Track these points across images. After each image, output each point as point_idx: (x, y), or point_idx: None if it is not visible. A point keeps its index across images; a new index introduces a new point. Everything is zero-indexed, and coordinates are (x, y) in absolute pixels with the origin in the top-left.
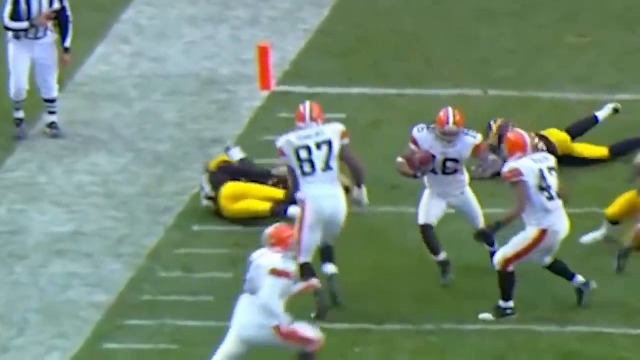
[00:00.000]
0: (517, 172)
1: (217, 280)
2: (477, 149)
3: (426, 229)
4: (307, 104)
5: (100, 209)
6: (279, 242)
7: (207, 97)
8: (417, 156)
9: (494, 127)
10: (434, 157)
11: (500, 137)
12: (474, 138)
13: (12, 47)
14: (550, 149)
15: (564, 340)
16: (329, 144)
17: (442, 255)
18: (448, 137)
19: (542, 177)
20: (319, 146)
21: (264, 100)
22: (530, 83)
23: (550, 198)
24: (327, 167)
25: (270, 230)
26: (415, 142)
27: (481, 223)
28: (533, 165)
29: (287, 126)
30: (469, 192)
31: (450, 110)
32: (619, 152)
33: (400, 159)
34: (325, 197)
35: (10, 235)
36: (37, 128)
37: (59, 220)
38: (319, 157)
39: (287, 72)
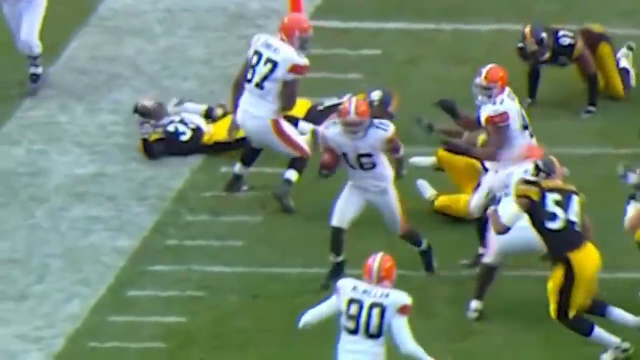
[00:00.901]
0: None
1: (245, 223)
2: (390, 142)
3: (336, 232)
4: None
5: (123, 149)
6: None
7: (235, 32)
8: (321, 159)
9: (527, 31)
10: (343, 156)
11: (541, 40)
12: (385, 130)
13: (4, 6)
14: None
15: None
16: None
17: (339, 258)
18: (350, 127)
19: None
20: (265, 62)
21: None
22: (574, 17)
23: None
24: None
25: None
26: (324, 139)
27: (399, 228)
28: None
29: (320, 63)
30: (392, 192)
31: (354, 100)
32: None
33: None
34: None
35: (29, 177)
36: (56, 65)
37: (81, 161)
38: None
39: (319, 6)
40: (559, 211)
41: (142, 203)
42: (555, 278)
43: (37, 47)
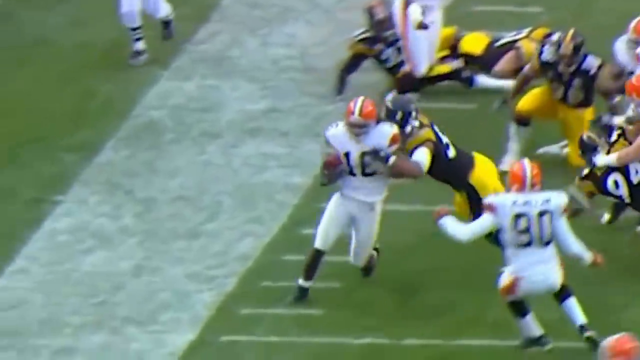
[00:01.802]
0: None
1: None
2: (394, 140)
3: (316, 255)
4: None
5: (297, 84)
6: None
7: None
8: (324, 159)
9: (568, 36)
10: (345, 157)
11: (576, 47)
12: (390, 127)
13: None
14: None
15: None
16: None
17: (308, 284)
18: (354, 129)
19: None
20: None
21: None
22: None
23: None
24: None
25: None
26: (327, 142)
27: (362, 259)
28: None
29: None
30: (378, 211)
31: (360, 100)
32: None
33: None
34: None
35: (201, 113)
36: None
37: (253, 96)
38: None
39: None
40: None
41: (316, 139)
42: (460, 205)
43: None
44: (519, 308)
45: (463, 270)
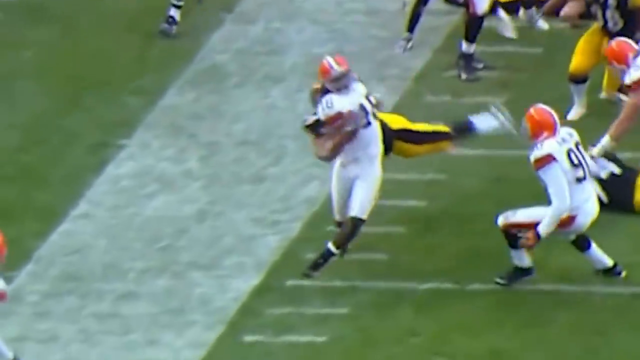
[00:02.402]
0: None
1: (487, 105)
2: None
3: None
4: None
5: (362, 27)
6: None
7: None
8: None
9: None
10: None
11: None
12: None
13: None
14: None
15: None
16: None
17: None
18: (339, 83)
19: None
20: None
21: None
22: None
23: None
24: None
25: None
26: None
27: (355, 212)
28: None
29: None
30: (376, 169)
31: (329, 57)
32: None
33: None
34: None
35: (265, 56)
36: None
37: (318, 39)
38: None
39: None
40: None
41: (382, 83)
42: None
43: None
44: (581, 243)
45: None
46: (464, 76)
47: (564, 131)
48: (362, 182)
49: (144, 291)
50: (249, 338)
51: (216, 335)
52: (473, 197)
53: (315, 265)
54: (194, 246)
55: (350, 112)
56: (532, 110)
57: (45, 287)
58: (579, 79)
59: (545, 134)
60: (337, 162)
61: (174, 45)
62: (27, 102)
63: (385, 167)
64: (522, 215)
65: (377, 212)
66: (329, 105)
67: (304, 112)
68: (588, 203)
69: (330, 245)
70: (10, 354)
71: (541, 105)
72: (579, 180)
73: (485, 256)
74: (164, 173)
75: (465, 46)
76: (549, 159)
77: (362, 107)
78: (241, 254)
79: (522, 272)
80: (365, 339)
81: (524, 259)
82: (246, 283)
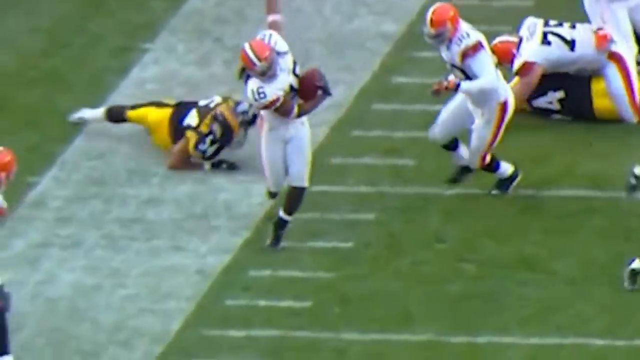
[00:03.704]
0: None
1: None
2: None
3: (273, 196)
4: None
5: None
6: None
7: None
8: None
9: None
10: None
11: None
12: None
13: None
14: None
15: None
16: None
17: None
18: (265, 75)
19: None
20: None
21: None
22: None
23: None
24: None
25: None
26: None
27: (296, 182)
28: None
29: None
30: (306, 128)
31: (249, 50)
32: None
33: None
34: None
35: None
36: None
37: None
38: None
39: None
40: None
41: None
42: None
43: None
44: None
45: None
46: None
47: None
48: (296, 147)
49: (168, 196)
50: None
51: (241, 240)
52: None
53: (277, 238)
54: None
55: (282, 97)
56: None
57: (69, 192)
58: None
59: None
60: (265, 127)
61: None
62: (51, 5)
63: (412, 72)
64: (477, 147)
65: (404, 117)
66: (262, 96)
67: (330, 15)
68: None
69: (282, 214)
70: None
71: None
72: None
73: (513, 161)
74: (189, 77)
75: None
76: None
77: (291, 87)
78: None
79: (509, 180)
80: (391, 244)
81: (506, 170)
82: None
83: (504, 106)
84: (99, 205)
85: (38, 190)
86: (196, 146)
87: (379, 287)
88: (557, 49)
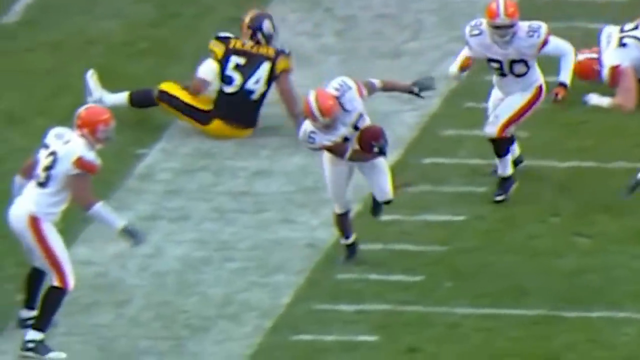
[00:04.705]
0: None
1: None
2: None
3: (341, 218)
4: None
5: None
6: None
7: None
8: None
9: None
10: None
11: None
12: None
13: None
14: None
15: None
16: None
17: (347, 241)
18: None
19: None
20: None
21: None
22: None
23: None
24: None
25: None
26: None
27: (388, 196)
28: None
29: None
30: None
31: (313, 105)
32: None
33: None
34: None
35: None
36: None
37: None
38: None
39: None
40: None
41: None
42: None
43: None
44: None
45: None
46: None
47: None
48: (369, 166)
49: (278, 169)
50: (385, 217)
51: (352, 213)
52: None
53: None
54: None
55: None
56: None
57: (177, 164)
58: None
59: None
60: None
61: None
62: None
63: None
64: (504, 112)
65: None
66: (311, 141)
67: None
68: None
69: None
70: None
71: None
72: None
73: (627, 134)
74: (300, 47)
75: None
76: None
77: (345, 138)
78: None
79: (509, 181)
80: (504, 218)
81: (507, 167)
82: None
83: (540, 89)
84: (208, 177)
85: (146, 162)
86: None
87: (492, 261)
88: (636, 49)
